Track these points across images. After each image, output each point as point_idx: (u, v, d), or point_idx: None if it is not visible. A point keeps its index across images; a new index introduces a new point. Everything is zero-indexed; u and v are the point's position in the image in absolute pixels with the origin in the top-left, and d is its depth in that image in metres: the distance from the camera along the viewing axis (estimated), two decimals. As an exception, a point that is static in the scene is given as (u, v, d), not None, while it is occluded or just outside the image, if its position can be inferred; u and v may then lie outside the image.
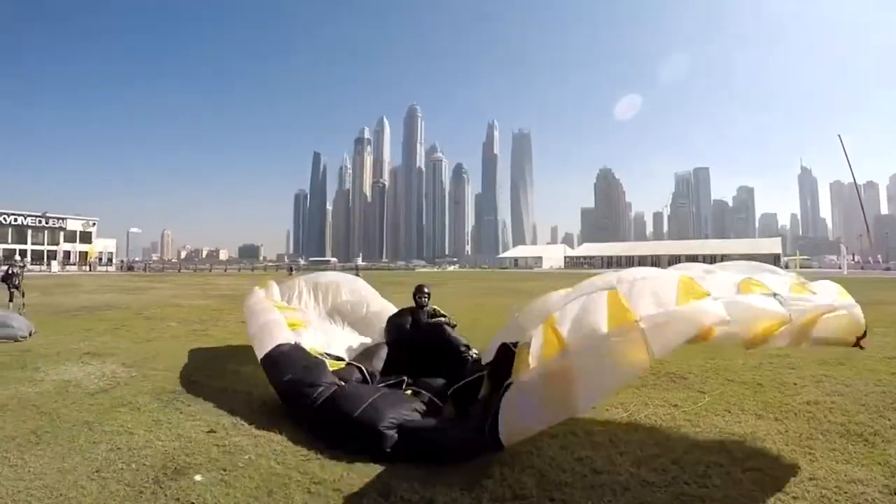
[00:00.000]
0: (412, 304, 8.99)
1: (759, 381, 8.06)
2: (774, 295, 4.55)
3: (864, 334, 4.88)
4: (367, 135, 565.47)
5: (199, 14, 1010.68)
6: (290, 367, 6.55)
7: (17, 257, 22.41)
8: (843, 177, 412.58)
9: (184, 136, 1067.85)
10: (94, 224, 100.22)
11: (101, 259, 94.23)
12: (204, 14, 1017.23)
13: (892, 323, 14.25)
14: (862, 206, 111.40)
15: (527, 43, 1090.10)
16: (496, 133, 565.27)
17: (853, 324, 4.83)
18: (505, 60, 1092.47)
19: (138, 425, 6.03)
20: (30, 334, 12.51)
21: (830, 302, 4.71)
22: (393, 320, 8.96)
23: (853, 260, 66.01)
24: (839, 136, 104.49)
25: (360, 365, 7.40)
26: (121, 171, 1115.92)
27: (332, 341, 8.79)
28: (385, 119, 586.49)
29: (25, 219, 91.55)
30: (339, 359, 7.58)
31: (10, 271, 18.53)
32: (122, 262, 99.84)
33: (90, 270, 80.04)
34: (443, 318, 8.59)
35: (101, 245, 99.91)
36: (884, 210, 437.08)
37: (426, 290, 9.06)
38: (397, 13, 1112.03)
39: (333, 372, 6.70)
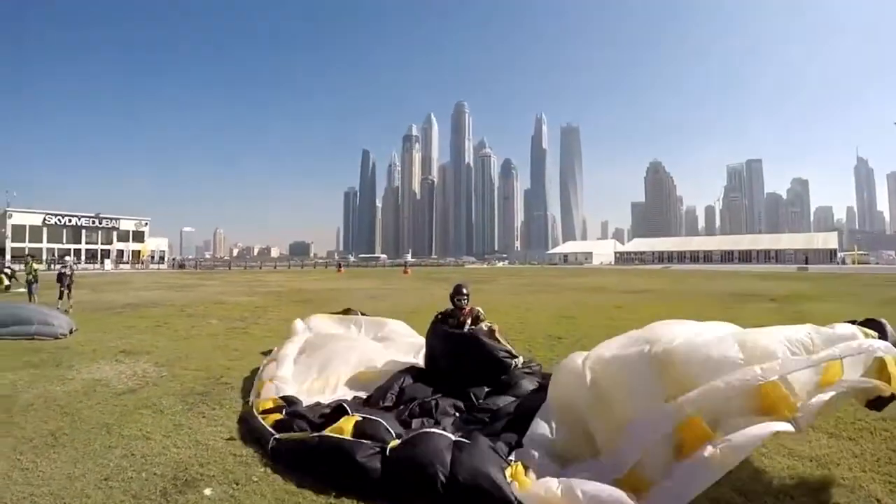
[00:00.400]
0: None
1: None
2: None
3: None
4: (415, 132, 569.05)
5: (253, 15, 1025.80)
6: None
7: (69, 258, 22.97)
8: None
9: (234, 136, 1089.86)
10: (147, 224, 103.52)
11: (153, 257, 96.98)
12: (257, 16, 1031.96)
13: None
14: None
15: (572, 35, 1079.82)
16: (544, 127, 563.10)
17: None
18: (552, 54, 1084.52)
19: (157, 429, 5.93)
20: (70, 332, 12.77)
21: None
22: (430, 329, 8.09)
23: None
24: (895, 123, 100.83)
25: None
26: (176, 175, 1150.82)
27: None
28: (433, 116, 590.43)
29: (80, 220, 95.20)
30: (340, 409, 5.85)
31: (62, 271, 19.09)
32: (173, 259, 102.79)
33: (142, 268, 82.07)
34: (484, 325, 7.66)
35: (154, 244, 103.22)
36: None
37: (465, 290, 8.04)
38: (439, 6, 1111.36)
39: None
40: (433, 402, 6.38)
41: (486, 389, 6.78)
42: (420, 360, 8.09)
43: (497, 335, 7.38)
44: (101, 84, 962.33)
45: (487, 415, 6.01)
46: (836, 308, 17.56)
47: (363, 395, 7.12)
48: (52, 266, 19.40)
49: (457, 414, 6.28)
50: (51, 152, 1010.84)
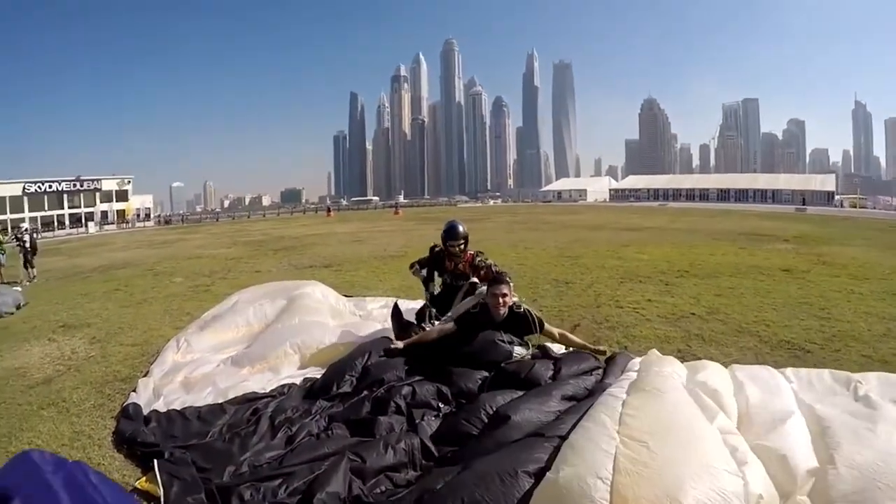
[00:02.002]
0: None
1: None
2: None
3: None
4: (403, 72, 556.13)
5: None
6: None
7: (24, 226, 21.97)
8: None
9: (219, 88, 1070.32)
10: (129, 182, 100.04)
11: (138, 215, 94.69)
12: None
13: None
14: None
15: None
16: (536, 64, 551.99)
17: None
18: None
19: (52, 440, 4.71)
20: (18, 307, 11.75)
21: None
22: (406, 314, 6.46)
23: None
24: None
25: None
26: (162, 130, 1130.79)
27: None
28: (421, 55, 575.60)
29: (60, 184, 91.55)
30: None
31: (20, 242, 18.33)
32: (158, 216, 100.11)
33: (129, 227, 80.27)
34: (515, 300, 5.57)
35: (138, 202, 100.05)
36: None
37: (460, 231, 6.19)
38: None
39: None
40: (409, 389, 4.78)
41: (484, 375, 4.92)
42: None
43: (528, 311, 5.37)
44: (73, 36, 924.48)
45: (480, 421, 4.15)
46: (860, 253, 16.18)
47: (318, 375, 5.59)
48: (17, 236, 18.17)
49: (441, 406, 4.66)
50: (29, 116, 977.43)
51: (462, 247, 6.27)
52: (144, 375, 6.09)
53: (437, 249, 6.54)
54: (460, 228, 6.24)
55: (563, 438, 3.32)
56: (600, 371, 4.87)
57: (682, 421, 3.26)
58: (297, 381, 5.49)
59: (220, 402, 5.06)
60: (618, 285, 10.91)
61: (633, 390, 3.70)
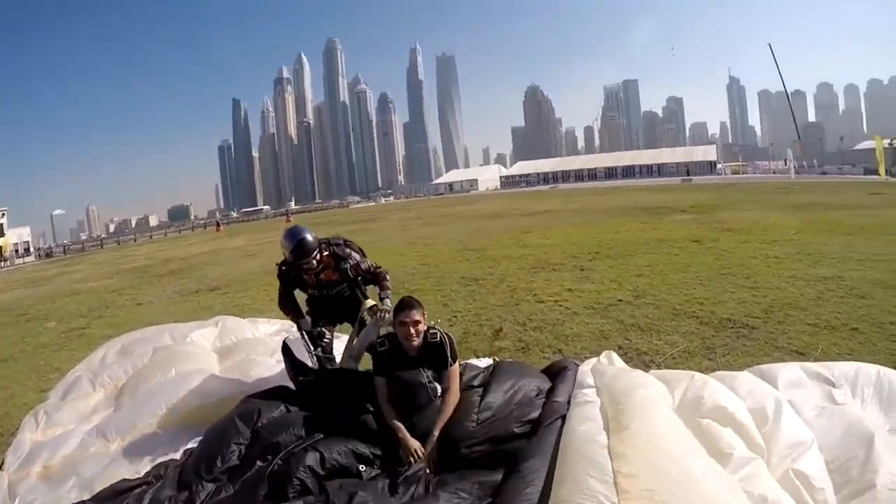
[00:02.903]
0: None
1: (847, 321, 5.95)
2: None
3: None
4: (286, 74, 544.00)
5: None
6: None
7: None
8: (771, 86, 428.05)
9: (94, 101, 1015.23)
10: (3, 215, 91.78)
11: (17, 251, 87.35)
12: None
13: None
14: (793, 113, 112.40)
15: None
16: (419, 58, 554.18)
17: None
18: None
19: None
20: None
21: None
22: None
23: (785, 166, 66.71)
24: (769, 45, 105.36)
25: None
26: (35, 153, 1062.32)
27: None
28: (303, 56, 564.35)
29: None
30: None
31: None
32: (38, 250, 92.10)
33: (9, 265, 73.65)
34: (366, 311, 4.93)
35: (15, 235, 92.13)
36: (811, 118, 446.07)
37: (309, 239, 4.65)
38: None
39: None
40: (315, 455, 3.48)
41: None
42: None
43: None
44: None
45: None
46: (758, 217, 16.70)
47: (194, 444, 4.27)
48: None
49: (363, 469, 3.52)
50: None
51: (318, 259, 4.70)
52: None
53: (283, 269, 4.92)
54: (308, 238, 4.63)
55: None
56: (544, 391, 3.81)
57: (691, 469, 2.47)
58: (178, 454, 4.17)
59: (85, 498, 3.71)
60: (531, 276, 10.23)
61: (615, 429, 2.81)
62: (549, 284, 9.31)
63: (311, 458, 3.42)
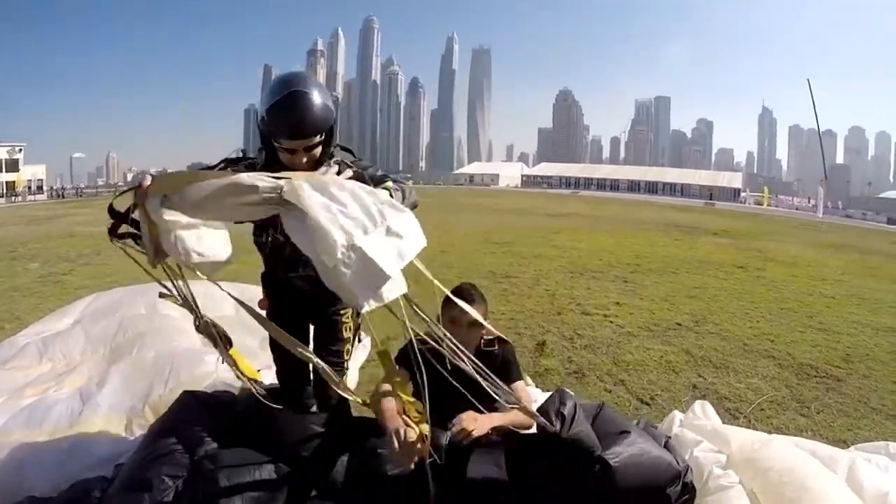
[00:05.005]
0: None
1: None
2: None
3: None
4: (320, 46, 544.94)
5: None
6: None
7: None
8: (803, 122, 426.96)
9: (126, 54, 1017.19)
10: (21, 150, 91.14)
11: (30, 188, 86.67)
12: None
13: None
14: (822, 151, 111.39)
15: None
16: (456, 47, 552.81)
17: None
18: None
19: None
20: None
21: None
22: None
23: (809, 203, 65.61)
24: (808, 80, 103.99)
25: None
26: (62, 94, 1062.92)
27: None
28: (340, 31, 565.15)
29: None
30: None
31: None
32: (51, 189, 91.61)
33: (20, 200, 73.02)
34: None
35: (30, 172, 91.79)
36: (839, 160, 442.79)
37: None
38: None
39: None
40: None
41: None
42: None
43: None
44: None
45: None
46: (798, 251, 16.31)
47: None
48: None
49: None
50: None
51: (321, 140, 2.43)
52: None
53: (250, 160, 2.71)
54: (316, 100, 2.33)
55: None
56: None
57: None
58: (109, 468, 2.86)
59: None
60: (570, 281, 9.42)
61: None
62: (593, 294, 8.46)
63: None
